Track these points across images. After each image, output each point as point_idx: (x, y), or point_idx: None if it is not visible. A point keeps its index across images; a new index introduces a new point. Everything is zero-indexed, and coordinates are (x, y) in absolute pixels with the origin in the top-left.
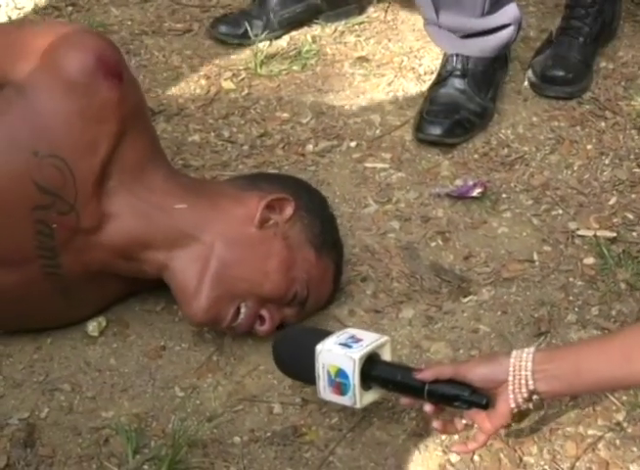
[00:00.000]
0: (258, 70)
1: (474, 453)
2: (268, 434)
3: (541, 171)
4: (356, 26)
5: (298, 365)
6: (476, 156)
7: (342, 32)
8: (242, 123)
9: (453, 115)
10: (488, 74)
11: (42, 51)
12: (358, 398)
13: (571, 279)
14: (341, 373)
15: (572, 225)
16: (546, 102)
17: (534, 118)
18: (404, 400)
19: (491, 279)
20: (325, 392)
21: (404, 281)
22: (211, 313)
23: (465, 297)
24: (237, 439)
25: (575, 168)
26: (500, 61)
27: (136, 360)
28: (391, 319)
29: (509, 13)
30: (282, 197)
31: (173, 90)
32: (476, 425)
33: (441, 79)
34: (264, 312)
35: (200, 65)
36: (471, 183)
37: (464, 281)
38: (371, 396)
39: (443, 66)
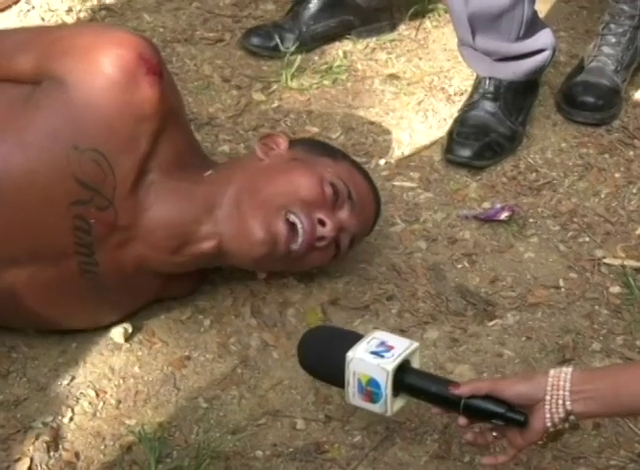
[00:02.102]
0: (289, 82)
1: None
2: (290, 449)
3: (569, 198)
4: (387, 44)
5: (326, 368)
6: (504, 179)
7: (374, 49)
8: None
9: (483, 137)
10: (520, 98)
11: (85, 48)
12: (389, 406)
13: (596, 307)
14: (372, 382)
15: (599, 253)
16: (575, 128)
17: (563, 144)
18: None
19: (517, 304)
20: (354, 398)
21: (430, 302)
22: (266, 234)
23: (490, 320)
24: (259, 453)
25: (603, 196)
26: (531, 85)
27: (160, 369)
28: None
29: (544, 38)
30: (272, 134)
31: (203, 99)
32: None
33: (473, 101)
34: (321, 215)
35: (230, 75)
36: (498, 206)
37: (489, 304)
38: (400, 402)
39: (475, 88)
